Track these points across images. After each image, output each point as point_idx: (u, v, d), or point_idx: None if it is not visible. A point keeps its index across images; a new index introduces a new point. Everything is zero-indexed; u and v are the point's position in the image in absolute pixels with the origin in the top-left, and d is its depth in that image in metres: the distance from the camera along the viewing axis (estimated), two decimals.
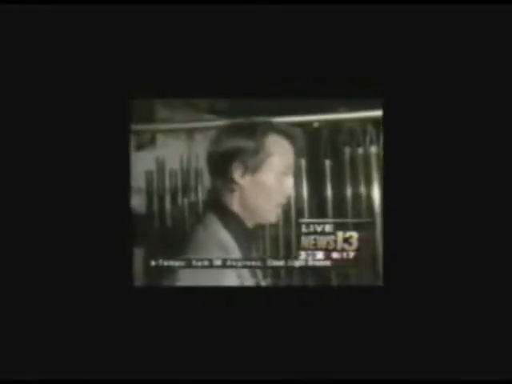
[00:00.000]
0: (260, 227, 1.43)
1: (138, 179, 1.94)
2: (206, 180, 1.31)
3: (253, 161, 1.25)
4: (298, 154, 1.31)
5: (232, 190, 1.27)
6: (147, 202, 2.02)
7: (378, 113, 1.42)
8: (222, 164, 1.26)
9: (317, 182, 1.93)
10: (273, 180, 1.27)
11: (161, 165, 2.04)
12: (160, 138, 2.13)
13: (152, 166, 2.04)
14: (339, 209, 1.87)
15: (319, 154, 1.96)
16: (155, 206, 2.02)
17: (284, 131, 1.29)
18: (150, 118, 2.06)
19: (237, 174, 1.25)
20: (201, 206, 1.97)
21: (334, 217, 1.82)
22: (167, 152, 2.07)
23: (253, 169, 1.26)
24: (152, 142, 2.13)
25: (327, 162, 1.95)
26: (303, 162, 1.92)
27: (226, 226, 1.26)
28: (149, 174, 2.03)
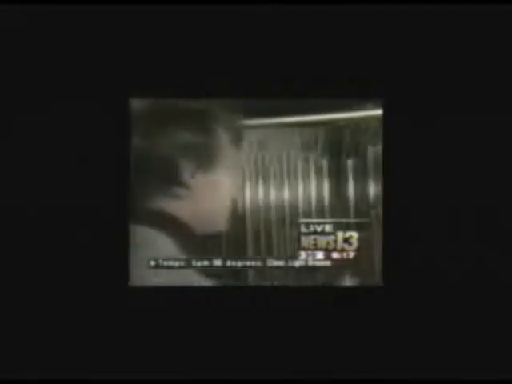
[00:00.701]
0: (213, 237, 1.24)
1: None
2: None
3: (203, 156, 1.06)
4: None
5: (178, 196, 1.08)
6: None
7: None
8: (163, 164, 1.06)
9: (338, 181, 1.92)
10: (227, 178, 1.12)
11: None
12: None
13: None
14: (359, 208, 1.86)
15: (341, 152, 1.95)
16: None
17: (230, 120, 1.14)
18: None
19: (186, 175, 1.07)
20: None
21: (356, 217, 1.80)
22: None
23: (204, 166, 1.07)
24: None
25: (349, 162, 1.93)
26: (325, 162, 1.91)
27: (174, 238, 1.11)
28: None
